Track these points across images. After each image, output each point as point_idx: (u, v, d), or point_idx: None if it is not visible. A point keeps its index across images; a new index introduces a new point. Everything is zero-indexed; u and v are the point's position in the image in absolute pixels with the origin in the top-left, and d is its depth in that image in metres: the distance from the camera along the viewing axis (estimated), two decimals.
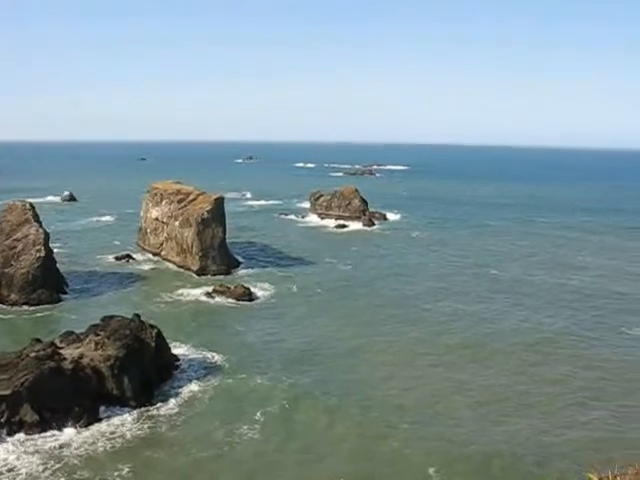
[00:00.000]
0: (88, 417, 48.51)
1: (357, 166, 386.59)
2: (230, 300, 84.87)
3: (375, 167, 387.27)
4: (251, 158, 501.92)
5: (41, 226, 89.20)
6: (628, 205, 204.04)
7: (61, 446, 45.02)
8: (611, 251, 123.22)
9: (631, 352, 66.56)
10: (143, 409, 51.17)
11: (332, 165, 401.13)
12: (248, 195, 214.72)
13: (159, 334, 59.54)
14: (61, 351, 53.56)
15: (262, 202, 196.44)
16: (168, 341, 61.44)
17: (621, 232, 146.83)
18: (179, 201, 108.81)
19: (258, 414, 50.23)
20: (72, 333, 58.19)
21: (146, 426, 48.46)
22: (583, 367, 62.13)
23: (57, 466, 42.33)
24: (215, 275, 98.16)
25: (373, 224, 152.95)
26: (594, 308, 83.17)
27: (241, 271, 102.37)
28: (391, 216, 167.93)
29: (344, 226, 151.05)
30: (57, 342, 55.85)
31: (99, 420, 49.03)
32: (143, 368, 54.56)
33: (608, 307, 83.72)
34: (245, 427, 48.15)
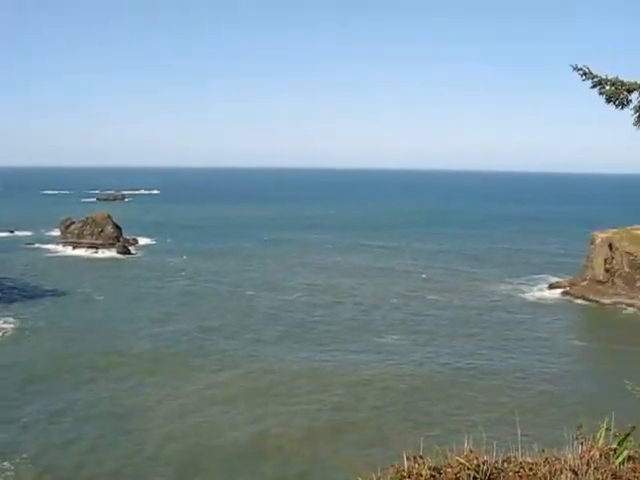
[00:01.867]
0: None
1: (109, 191, 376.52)
2: None
3: (126, 192, 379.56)
4: None
5: None
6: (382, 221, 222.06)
7: None
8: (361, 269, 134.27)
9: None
10: None
11: (84, 191, 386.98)
12: None
13: None
14: None
15: (6, 233, 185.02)
16: None
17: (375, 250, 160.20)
18: None
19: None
20: None
21: None
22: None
23: None
24: None
25: (128, 251, 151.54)
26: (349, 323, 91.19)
27: None
28: (145, 242, 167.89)
29: (97, 254, 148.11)
30: None
31: None
32: None
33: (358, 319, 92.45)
34: None
